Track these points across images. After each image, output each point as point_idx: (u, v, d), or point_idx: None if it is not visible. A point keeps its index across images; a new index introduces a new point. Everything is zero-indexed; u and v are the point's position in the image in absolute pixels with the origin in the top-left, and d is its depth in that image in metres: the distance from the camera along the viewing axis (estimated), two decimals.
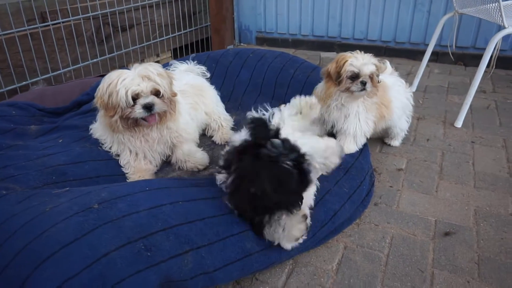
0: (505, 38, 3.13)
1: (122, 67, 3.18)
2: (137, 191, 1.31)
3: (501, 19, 2.19)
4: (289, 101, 2.20)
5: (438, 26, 2.74)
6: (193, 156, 1.83)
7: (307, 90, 2.16)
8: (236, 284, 1.39)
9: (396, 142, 2.17)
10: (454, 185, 1.87)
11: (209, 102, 2.10)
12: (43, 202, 1.26)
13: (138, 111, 1.60)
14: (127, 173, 1.73)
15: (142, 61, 3.38)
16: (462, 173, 1.95)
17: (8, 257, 1.10)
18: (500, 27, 2.24)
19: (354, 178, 1.65)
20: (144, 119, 1.64)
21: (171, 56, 3.66)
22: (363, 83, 1.72)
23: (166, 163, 1.87)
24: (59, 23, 2.64)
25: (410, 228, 1.61)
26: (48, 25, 2.58)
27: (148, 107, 1.60)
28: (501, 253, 1.47)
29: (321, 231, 1.48)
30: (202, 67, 2.15)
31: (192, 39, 3.81)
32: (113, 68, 3.13)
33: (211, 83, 2.18)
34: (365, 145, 1.90)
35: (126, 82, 1.58)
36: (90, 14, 2.83)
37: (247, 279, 1.41)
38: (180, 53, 3.71)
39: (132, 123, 1.65)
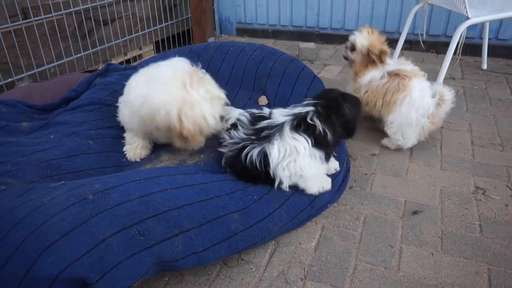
0: (473, 26, 3.30)
1: (105, 61, 3.23)
2: (128, 181, 1.41)
3: (465, 10, 2.33)
4: (269, 93, 2.31)
5: (410, 16, 2.88)
6: None
7: (285, 81, 2.27)
8: (223, 264, 1.52)
9: None
10: (423, 167, 2.02)
11: None
12: (41, 195, 1.36)
13: (225, 126, 1.74)
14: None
15: (125, 54, 3.44)
16: (430, 156, 2.10)
17: (13, 246, 1.18)
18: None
19: None
20: None
21: (154, 49, 3.72)
22: None
23: (153, 154, 1.96)
24: (42, 19, 2.68)
25: (382, 209, 1.76)
26: (31, 21, 2.61)
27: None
28: (462, 227, 1.63)
29: (301, 214, 1.61)
30: None
31: (174, 32, 3.87)
32: (97, 62, 3.18)
33: None
34: None
35: (208, 110, 1.65)
36: (72, 9, 2.87)
37: (233, 259, 1.53)
38: (162, 46, 3.77)
39: None
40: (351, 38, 2.12)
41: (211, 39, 3.71)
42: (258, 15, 4.17)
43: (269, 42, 4.08)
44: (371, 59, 2.04)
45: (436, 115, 1.98)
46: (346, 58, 2.19)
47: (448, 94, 1.97)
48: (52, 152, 1.68)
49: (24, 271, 1.14)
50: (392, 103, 2.00)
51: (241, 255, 1.55)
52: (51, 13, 2.73)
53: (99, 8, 3.09)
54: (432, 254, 1.52)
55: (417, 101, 1.96)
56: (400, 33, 3.10)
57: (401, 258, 1.50)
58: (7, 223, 1.26)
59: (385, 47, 2.04)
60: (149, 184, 1.43)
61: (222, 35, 4.36)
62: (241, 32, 4.31)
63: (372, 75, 2.06)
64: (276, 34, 4.17)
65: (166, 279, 1.47)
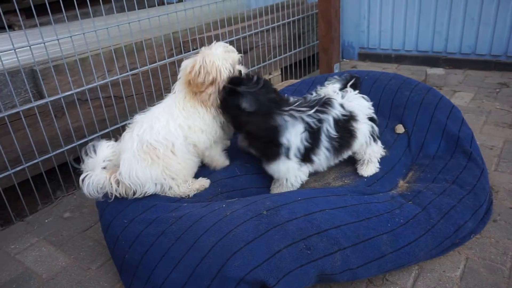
0: None
1: None
2: (293, 200, 1.63)
3: None
4: (406, 122, 2.38)
5: None
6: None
7: (423, 111, 2.34)
8: (369, 283, 1.65)
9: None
10: None
11: None
12: (222, 208, 1.64)
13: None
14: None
15: None
16: None
17: (206, 248, 1.46)
18: None
19: (477, 198, 1.81)
20: None
21: (281, 74, 4.02)
22: None
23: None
24: (198, 51, 3.11)
25: None
26: (190, 53, 3.06)
27: None
28: None
29: (446, 242, 1.68)
30: None
31: (300, 58, 4.13)
32: None
33: None
34: (484, 165, 2.02)
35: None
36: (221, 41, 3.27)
37: (378, 279, 1.65)
38: (289, 71, 4.06)
39: None
40: None
41: (336, 65, 3.88)
42: (381, 40, 4.24)
43: (392, 67, 4.13)
44: None
45: None
46: None
47: None
48: (220, 173, 2.02)
49: (217, 270, 1.41)
50: None
51: (385, 275, 1.67)
52: (205, 45, 3.16)
53: (241, 39, 3.47)
54: None
55: None
56: None
57: None
58: (199, 229, 1.55)
59: None
60: (309, 204, 1.63)
61: (344, 59, 4.52)
62: (363, 57, 4.42)
63: None
64: (399, 58, 4.19)
65: None
